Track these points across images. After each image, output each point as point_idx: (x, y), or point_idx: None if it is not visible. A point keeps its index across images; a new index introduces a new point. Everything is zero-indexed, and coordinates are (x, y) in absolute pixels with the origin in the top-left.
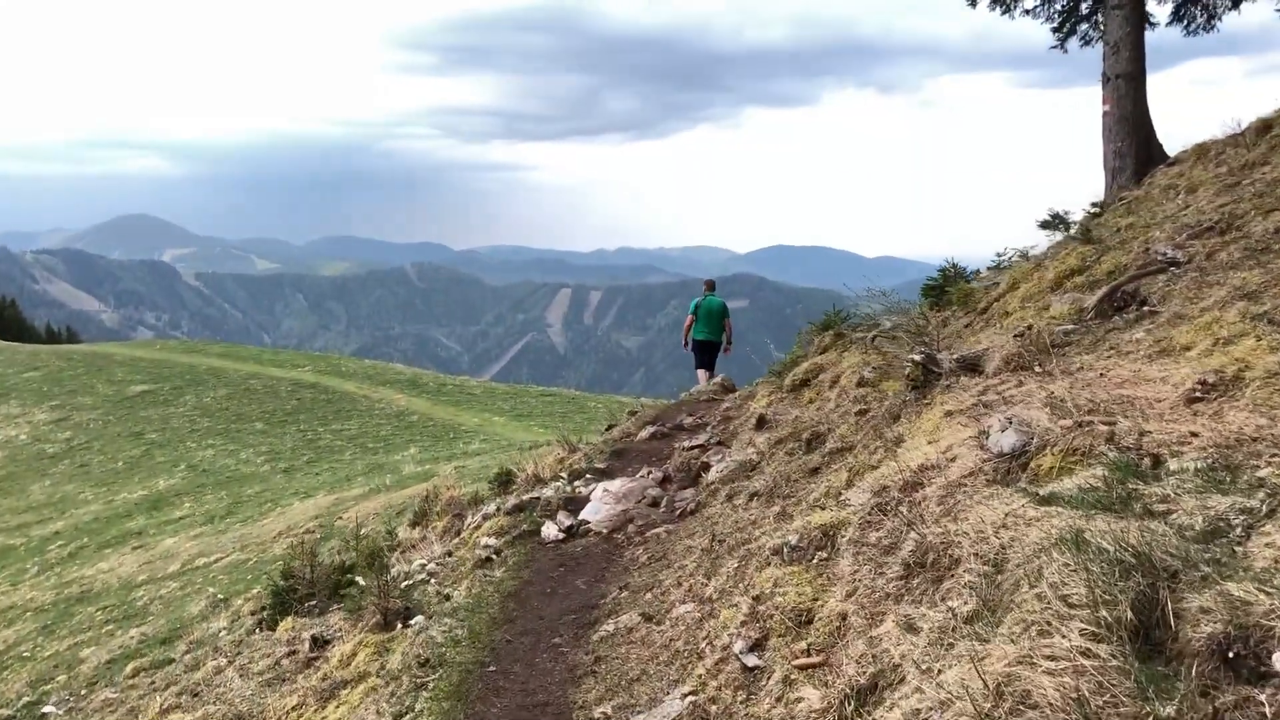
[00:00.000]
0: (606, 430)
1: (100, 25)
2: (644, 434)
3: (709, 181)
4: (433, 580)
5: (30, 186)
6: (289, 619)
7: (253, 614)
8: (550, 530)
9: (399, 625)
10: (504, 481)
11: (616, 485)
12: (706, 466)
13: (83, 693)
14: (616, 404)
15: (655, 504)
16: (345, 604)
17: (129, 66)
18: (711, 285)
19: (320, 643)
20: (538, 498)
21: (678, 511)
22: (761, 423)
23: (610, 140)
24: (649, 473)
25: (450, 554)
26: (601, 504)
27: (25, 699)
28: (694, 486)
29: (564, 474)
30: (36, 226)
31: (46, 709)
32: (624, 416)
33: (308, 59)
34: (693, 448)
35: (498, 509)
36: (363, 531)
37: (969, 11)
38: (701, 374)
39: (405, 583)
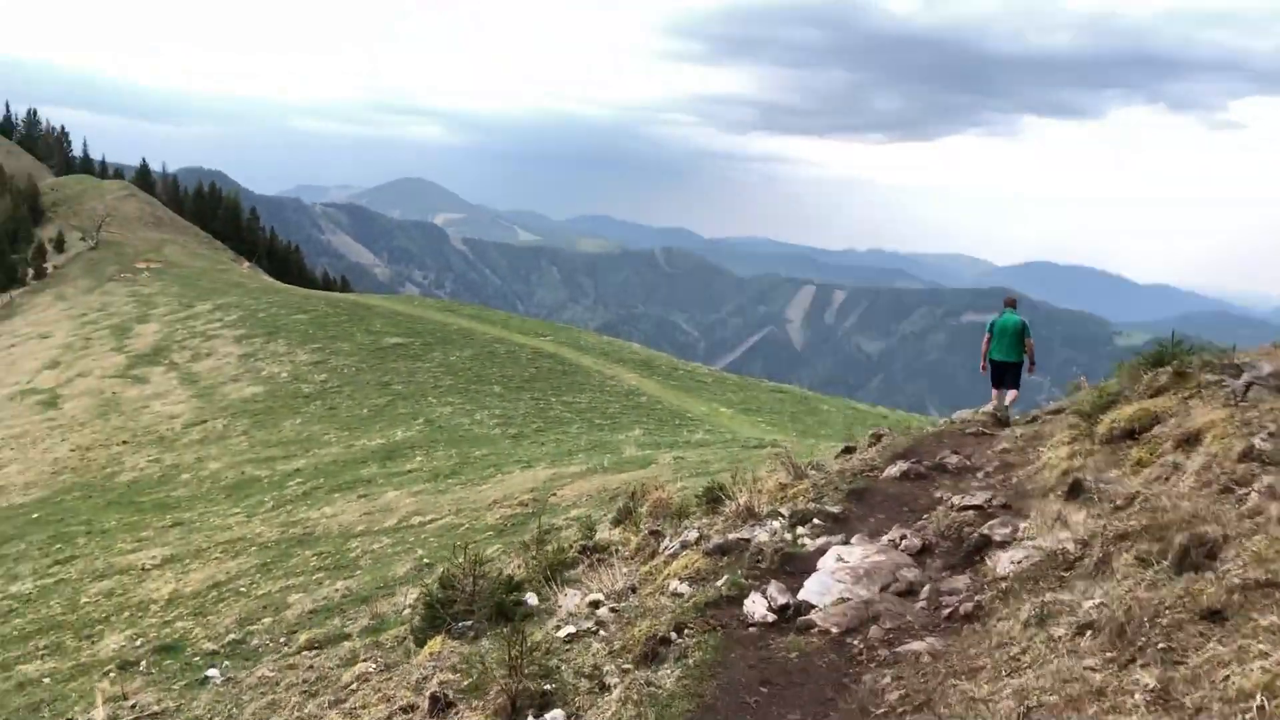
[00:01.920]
0: (842, 453)
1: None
2: (892, 470)
3: (973, 188)
4: (598, 637)
5: (324, 143)
6: (438, 639)
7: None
8: (757, 606)
9: (529, 718)
10: (713, 500)
11: (855, 555)
12: (987, 543)
13: (282, 640)
14: (851, 410)
15: (911, 592)
16: (470, 680)
17: (415, 38)
18: (1012, 303)
19: (442, 706)
20: (747, 540)
21: (946, 612)
22: (1076, 490)
23: (873, 139)
24: (901, 537)
25: (634, 590)
26: (832, 579)
27: (231, 635)
28: (968, 571)
29: (784, 510)
30: (327, 181)
31: (210, 672)
32: (864, 439)
33: (581, 42)
34: (965, 508)
35: (699, 538)
36: (571, 514)
37: None
38: (998, 394)
39: (567, 628)
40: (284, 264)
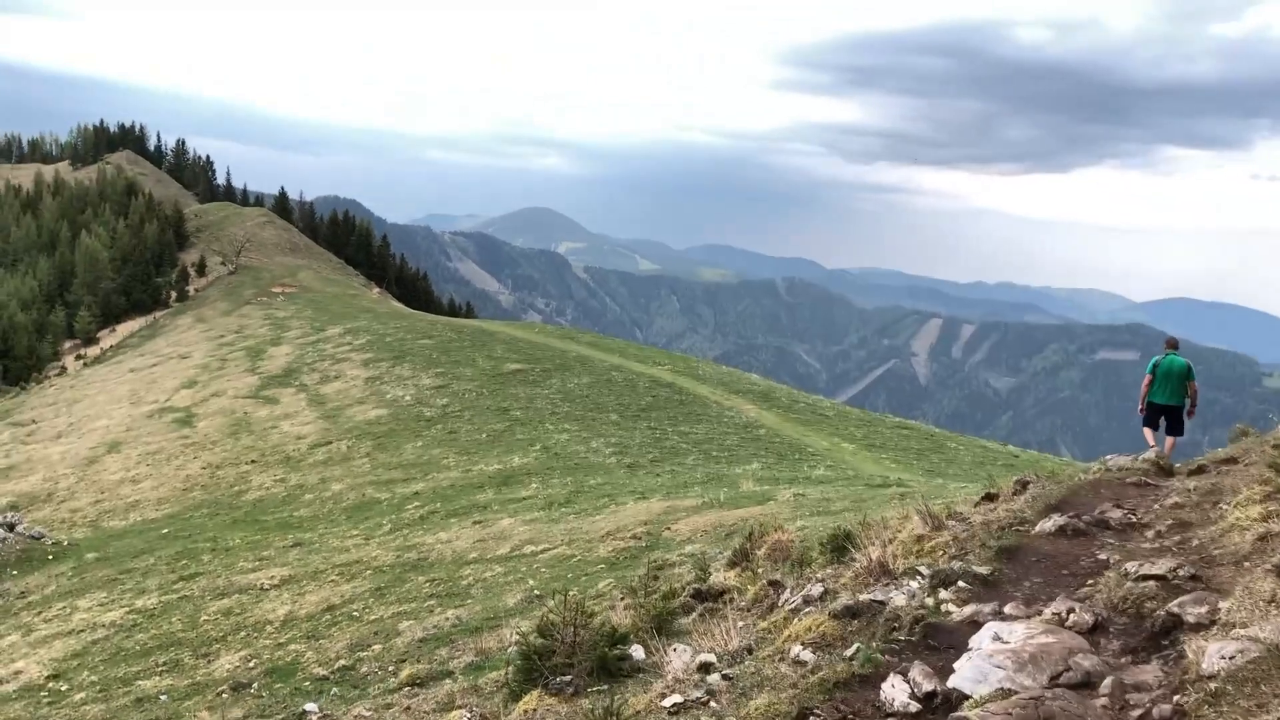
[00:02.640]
0: (983, 500)
1: (516, 32)
2: (1046, 525)
3: (1108, 221)
4: (708, 709)
5: (453, 174)
6: (535, 693)
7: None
8: (897, 692)
9: None
10: (838, 548)
11: (1017, 634)
12: (1177, 624)
13: (390, 669)
14: (980, 449)
15: (1088, 684)
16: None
17: (537, 69)
18: (1174, 344)
19: None
20: (881, 603)
21: (1135, 714)
22: None
23: (1003, 169)
24: (1068, 611)
25: (750, 650)
26: (990, 664)
27: (342, 661)
28: (1155, 658)
29: (923, 569)
30: (455, 210)
31: (308, 707)
32: (1008, 486)
33: (701, 72)
34: (1144, 577)
35: (824, 593)
36: (685, 550)
37: None
38: (1149, 435)
39: (673, 697)
40: (412, 290)
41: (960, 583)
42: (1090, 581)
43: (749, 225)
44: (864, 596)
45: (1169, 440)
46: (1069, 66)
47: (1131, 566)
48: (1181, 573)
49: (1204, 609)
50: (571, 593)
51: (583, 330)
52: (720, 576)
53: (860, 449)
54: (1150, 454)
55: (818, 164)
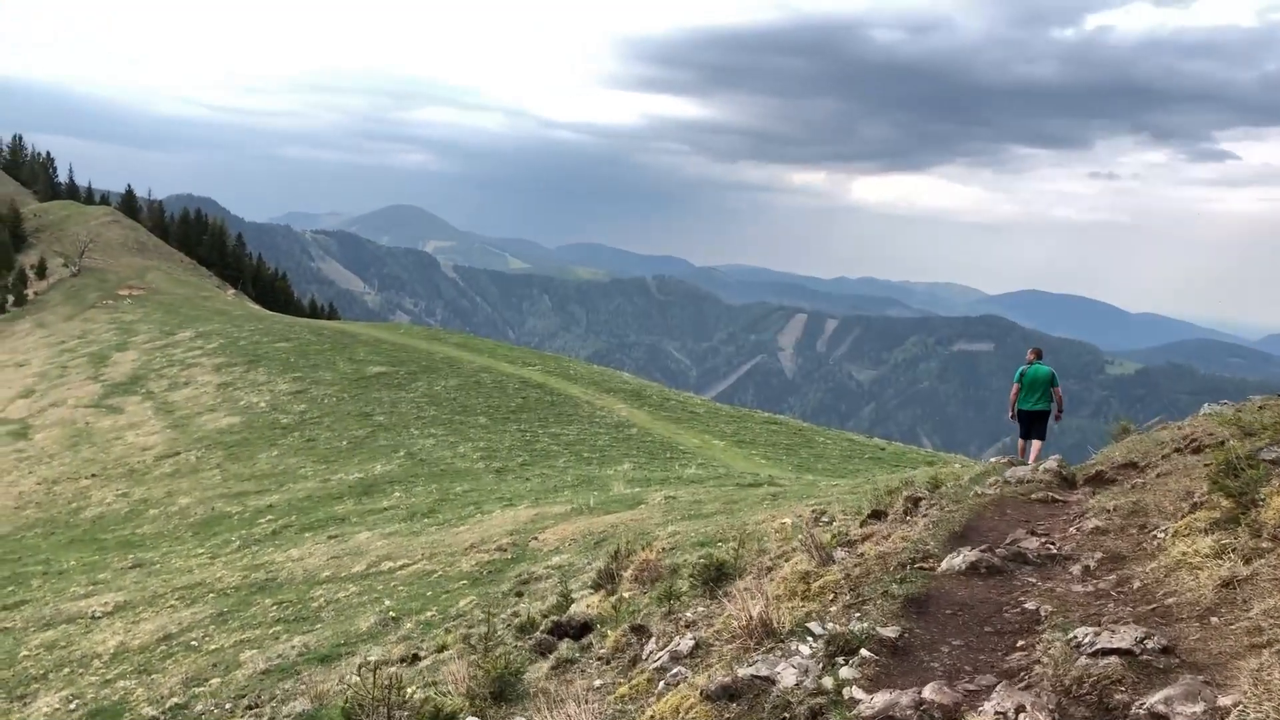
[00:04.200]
0: (870, 518)
1: (357, 21)
2: (955, 561)
3: (963, 217)
4: None
5: (314, 171)
6: None
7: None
8: None
9: None
10: (711, 579)
11: None
12: None
13: (227, 706)
14: (848, 442)
15: None
16: None
17: (398, 59)
18: (1038, 354)
19: None
20: (767, 680)
21: None
22: None
23: (863, 167)
24: (1017, 711)
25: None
26: None
27: (174, 700)
28: None
29: (815, 625)
30: (317, 209)
31: None
32: (897, 502)
33: (566, 65)
34: (1103, 651)
35: (694, 648)
36: (552, 562)
37: (1264, 53)
38: (1024, 445)
39: None
40: (270, 291)
41: (863, 651)
42: (1022, 645)
43: (619, 223)
44: (744, 671)
45: (1035, 444)
46: (923, 67)
47: (1083, 635)
48: (1150, 645)
49: (1198, 708)
50: (429, 612)
51: (452, 331)
52: (583, 604)
53: (730, 445)
54: (1028, 468)
55: (684, 162)
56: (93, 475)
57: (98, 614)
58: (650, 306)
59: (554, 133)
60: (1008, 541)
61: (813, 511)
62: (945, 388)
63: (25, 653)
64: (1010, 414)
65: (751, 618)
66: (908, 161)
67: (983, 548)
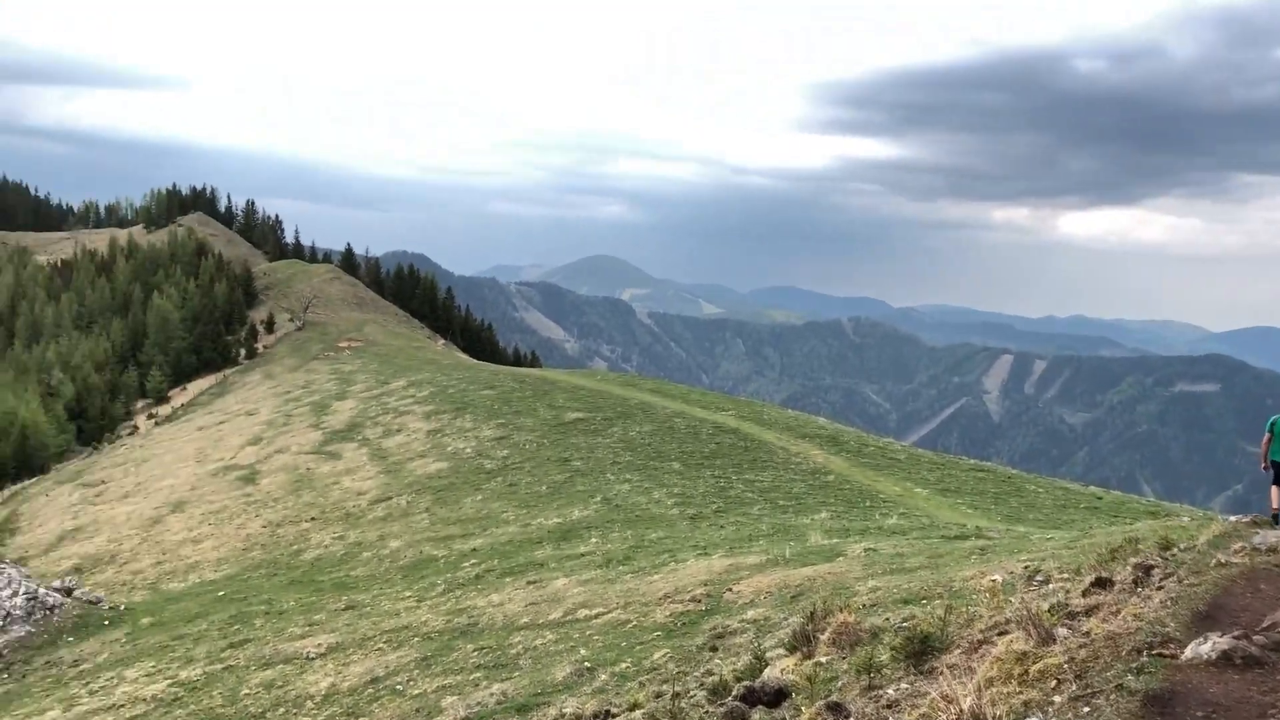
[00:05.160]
0: (1094, 587)
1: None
2: (1203, 649)
3: (1181, 251)
4: None
5: (518, 225)
6: None
7: None
8: None
9: None
10: (916, 653)
11: None
12: None
13: None
14: (1061, 491)
15: None
16: None
17: (597, 117)
18: None
19: None
20: None
21: None
22: None
23: (1068, 202)
24: None
25: None
26: None
27: None
28: None
29: None
30: (520, 261)
31: None
32: (1126, 570)
33: (756, 113)
34: None
35: None
36: (747, 615)
37: None
38: (1275, 493)
39: None
40: (477, 340)
41: None
42: None
43: (813, 266)
44: None
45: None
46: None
47: None
48: None
49: None
50: (624, 664)
51: (647, 376)
52: (778, 668)
53: (934, 494)
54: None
55: (879, 203)
56: (312, 519)
57: (312, 655)
58: (846, 349)
59: (746, 179)
60: (1266, 625)
61: (1025, 569)
62: (1166, 431)
63: (246, 691)
64: (1263, 465)
65: (962, 711)
66: (1117, 194)
67: (1236, 633)
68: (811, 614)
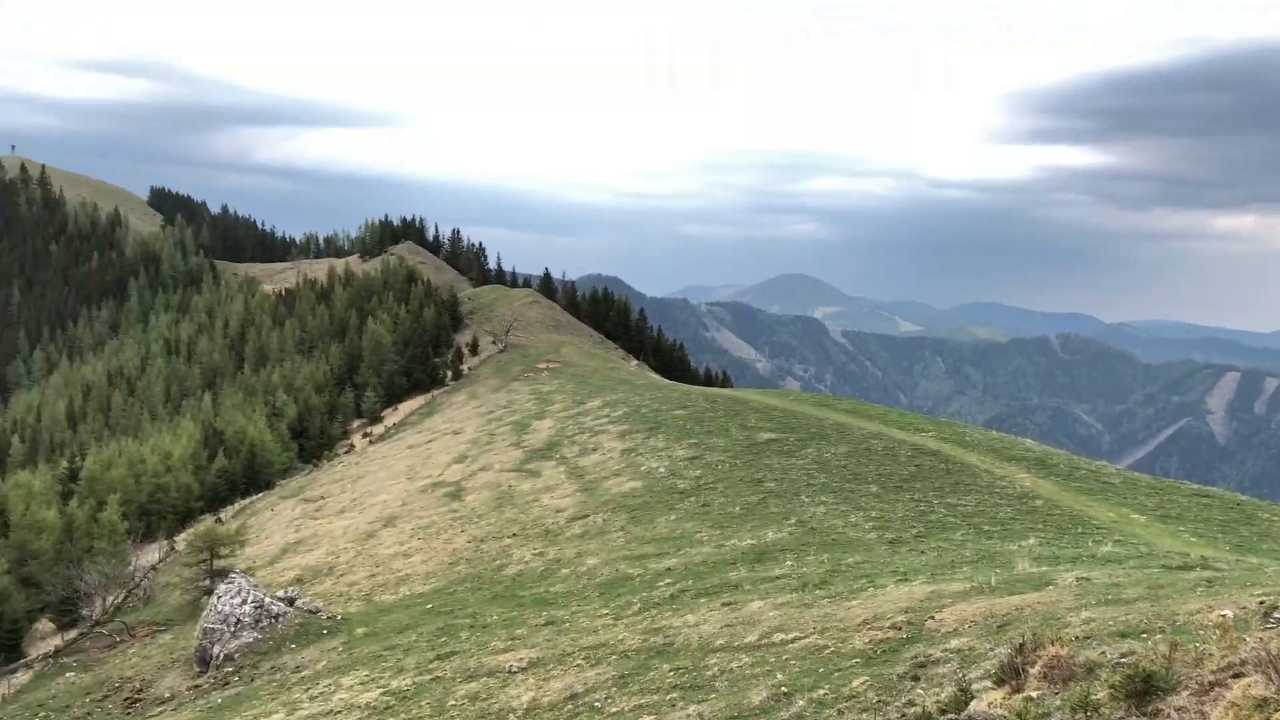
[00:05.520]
0: None
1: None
2: None
3: None
4: None
5: (709, 246)
6: None
7: None
8: None
9: None
10: (1138, 693)
11: None
12: None
13: None
14: None
15: None
16: None
17: (787, 136)
18: None
19: None
20: None
21: None
22: None
23: None
24: None
25: None
26: None
27: None
28: None
29: None
30: (712, 281)
31: None
32: None
33: (951, 125)
34: None
35: None
36: (950, 645)
37: None
38: None
39: None
40: (669, 361)
41: None
42: None
43: (1017, 281)
44: None
45: None
46: None
47: None
48: None
49: None
50: (821, 690)
51: (841, 396)
52: (984, 701)
53: (1153, 521)
54: None
55: (1086, 214)
56: (514, 535)
57: (514, 669)
58: (1054, 367)
59: (941, 192)
60: None
61: (1261, 604)
62: None
63: (452, 702)
64: None
65: None
66: None
67: None
68: (1020, 645)
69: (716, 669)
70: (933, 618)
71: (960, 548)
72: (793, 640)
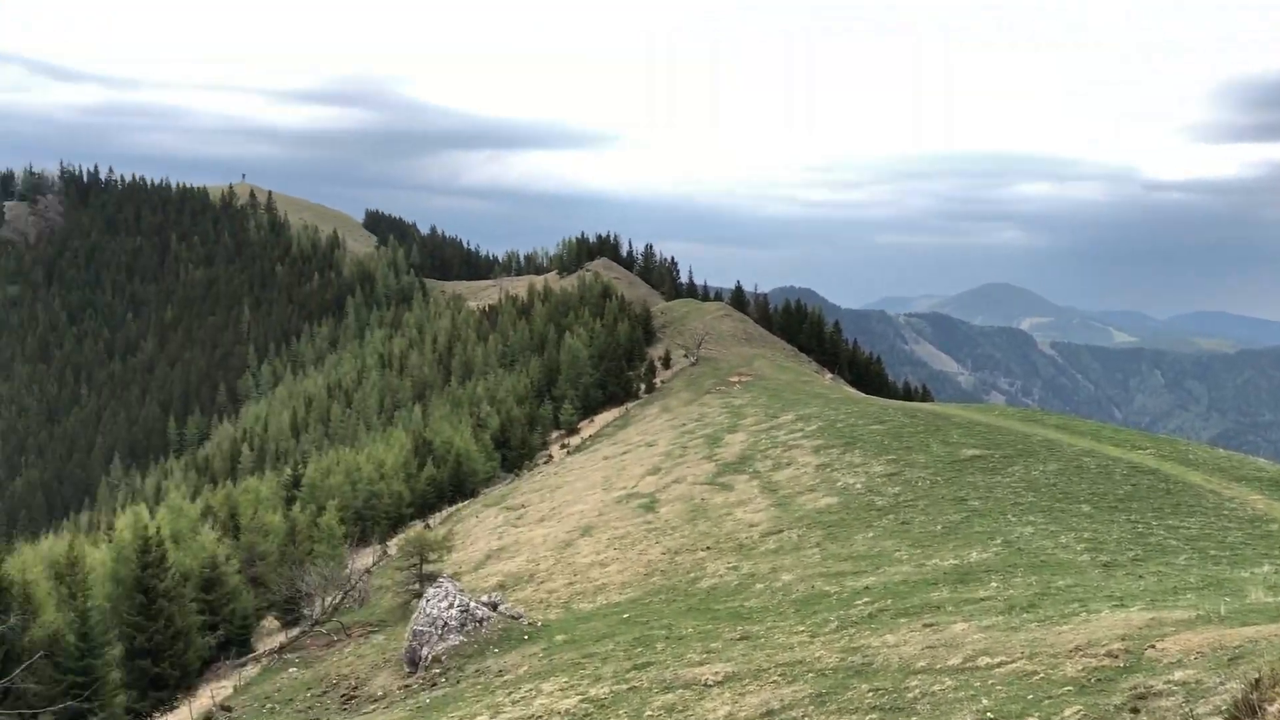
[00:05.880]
0: None
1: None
2: None
3: None
4: None
5: (905, 255)
6: None
7: None
8: None
9: None
10: None
11: None
12: None
13: None
14: None
15: None
16: None
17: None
18: None
19: None
20: None
21: None
22: None
23: None
24: None
25: None
26: None
27: None
28: None
29: None
30: (909, 292)
31: None
32: None
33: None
34: None
35: None
36: (1174, 677)
37: None
38: None
39: None
40: (865, 374)
41: None
42: None
43: (1246, 289)
44: None
45: None
46: None
47: None
48: None
49: None
50: (1031, 718)
51: (1049, 412)
52: None
53: None
54: None
55: None
56: (707, 548)
57: (710, 682)
58: None
59: (1159, 195)
60: None
61: None
62: None
63: (649, 713)
64: None
65: None
66: None
67: None
68: (1257, 681)
69: (918, 691)
70: (1153, 646)
71: (1184, 573)
72: (999, 665)
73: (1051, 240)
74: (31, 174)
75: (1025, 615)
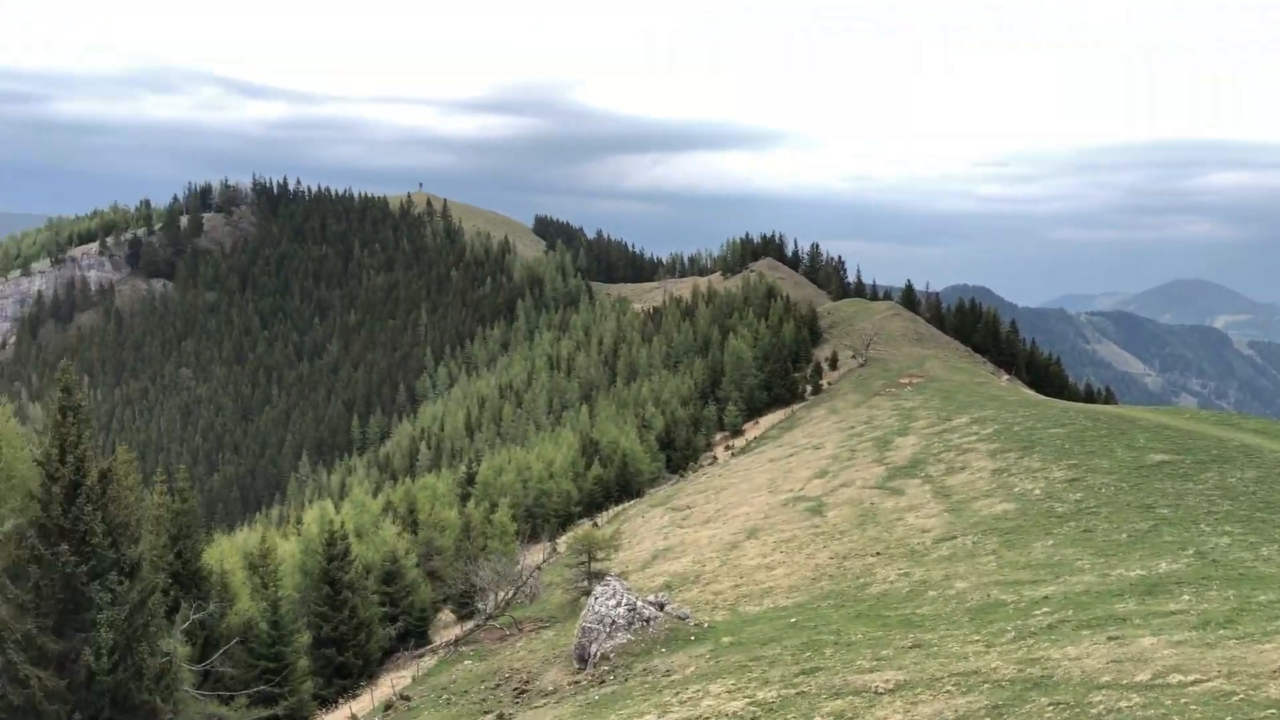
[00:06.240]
0: None
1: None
2: None
3: None
4: None
5: (1086, 252)
6: None
7: None
8: None
9: None
10: None
11: None
12: None
13: None
14: None
15: None
16: None
17: (1172, 128)
18: None
19: None
20: None
21: None
22: None
23: None
24: None
25: None
26: None
27: None
28: None
29: None
30: (1091, 290)
31: None
32: None
33: None
34: None
35: None
36: None
37: None
38: None
39: None
40: (1044, 375)
41: None
42: None
43: None
44: None
45: None
46: None
47: None
48: None
49: None
50: None
51: (1247, 415)
52: None
53: None
54: None
55: None
56: (877, 553)
57: (880, 690)
58: None
59: None
60: None
61: None
62: None
63: (818, 718)
64: None
65: None
66: None
67: None
68: None
69: (1102, 707)
70: None
71: None
72: (1192, 683)
73: (1250, 233)
74: (227, 186)
75: (1222, 631)
